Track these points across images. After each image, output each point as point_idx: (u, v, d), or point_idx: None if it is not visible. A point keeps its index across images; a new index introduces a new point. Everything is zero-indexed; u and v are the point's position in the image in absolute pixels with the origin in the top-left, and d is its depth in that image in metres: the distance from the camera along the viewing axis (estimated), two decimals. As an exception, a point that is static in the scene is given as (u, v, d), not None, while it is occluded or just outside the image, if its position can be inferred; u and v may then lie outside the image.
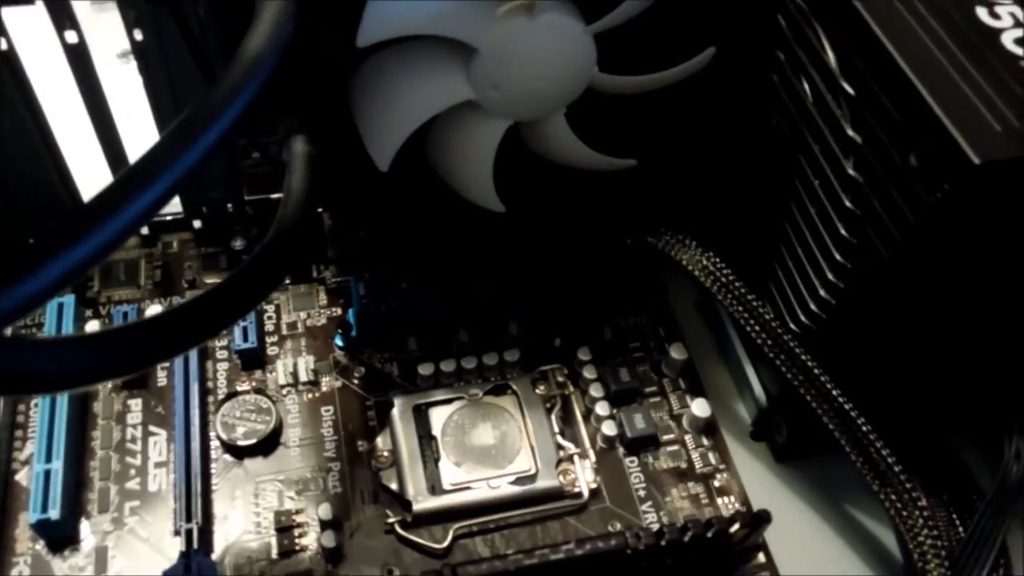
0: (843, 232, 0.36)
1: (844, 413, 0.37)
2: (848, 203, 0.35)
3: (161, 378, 0.44)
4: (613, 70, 0.37)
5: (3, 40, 0.38)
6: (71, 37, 0.39)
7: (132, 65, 0.41)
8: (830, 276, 0.37)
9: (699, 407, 0.44)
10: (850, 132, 0.34)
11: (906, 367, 0.38)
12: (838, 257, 0.36)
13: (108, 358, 0.25)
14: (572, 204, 0.43)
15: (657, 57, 0.38)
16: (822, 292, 0.38)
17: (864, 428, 0.37)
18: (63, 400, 0.41)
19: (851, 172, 0.34)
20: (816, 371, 0.38)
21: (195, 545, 0.38)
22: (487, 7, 0.34)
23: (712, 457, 0.44)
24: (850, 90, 0.34)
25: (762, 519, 0.34)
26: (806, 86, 0.37)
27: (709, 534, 0.34)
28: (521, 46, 0.35)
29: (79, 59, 0.40)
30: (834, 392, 0.38)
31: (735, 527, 0.34)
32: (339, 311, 0.48)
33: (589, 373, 0.45)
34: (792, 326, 0.40)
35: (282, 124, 0.38)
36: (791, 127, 0.38)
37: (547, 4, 0.34)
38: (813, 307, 0.39)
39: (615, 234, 0.45)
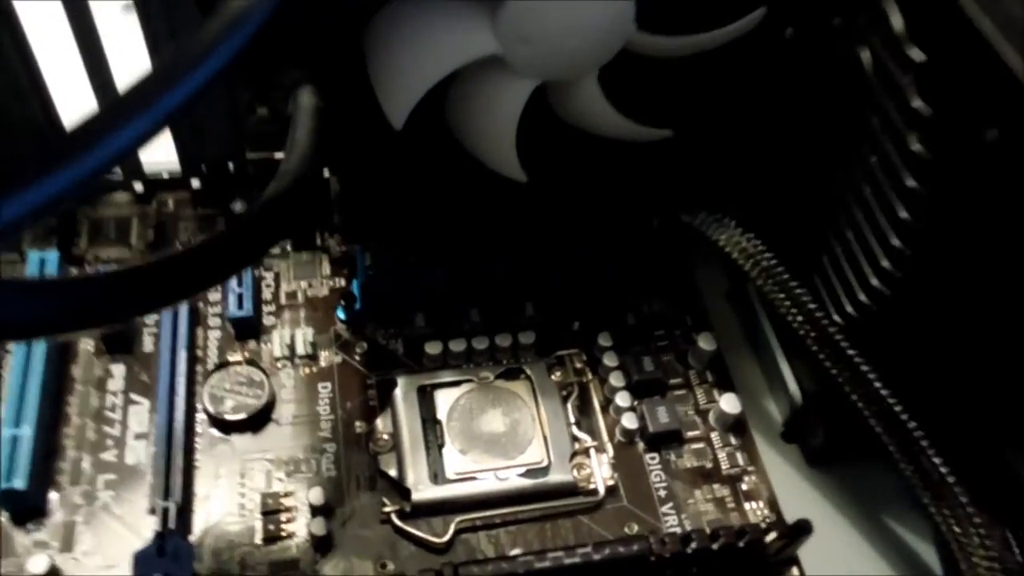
0: (902, 214, 0.32)
1: (894, 416, 0.34)
2: (910, 182, 0.31)
3: (147, 344, 0.41)
4: (652, 29, 0.34)
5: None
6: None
7: (132, 16, 0.38)
8: (884, 263, 0.34)
9: (728, 403, 0.41)
10: (916, 103, 0.30)
11: (964, 368, 0.34)
12: (895, 242, 0.33)
13: (79, 305, 0.23)
14: (600, 176, 0.40)
15: (701, 17, 0.34)
16: (874, 281, 0.34)
17: (916, 434, 0.34)
18: (38, 360, 0.38)
19: (916, 148, 0.31)
20: (864, 368, 0.34)
21: (172, 525, 0.34)
22: (521, -50, 0.31)
23: (740, 457, 0.40)
24: (918, 56, 0.30)
25: (802, 529, 0.31)
26: (866, 52, 0.33)
27: (741, 543, 0.31)
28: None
29: (76, 5, 0.37)
30: (883, 392, 0.34)
31: (771, 537, 0.31)
32: (343, 282, 0.45)
33: (610, 360, 0.42)
34: (837, 318, 0.37)
35: (289, 75, 0.34)
36: (846, 98, 0.35)
37: (586, -50, 0.31)
38: (863, 297, 0.35)
39: (645, 211, 0.41)
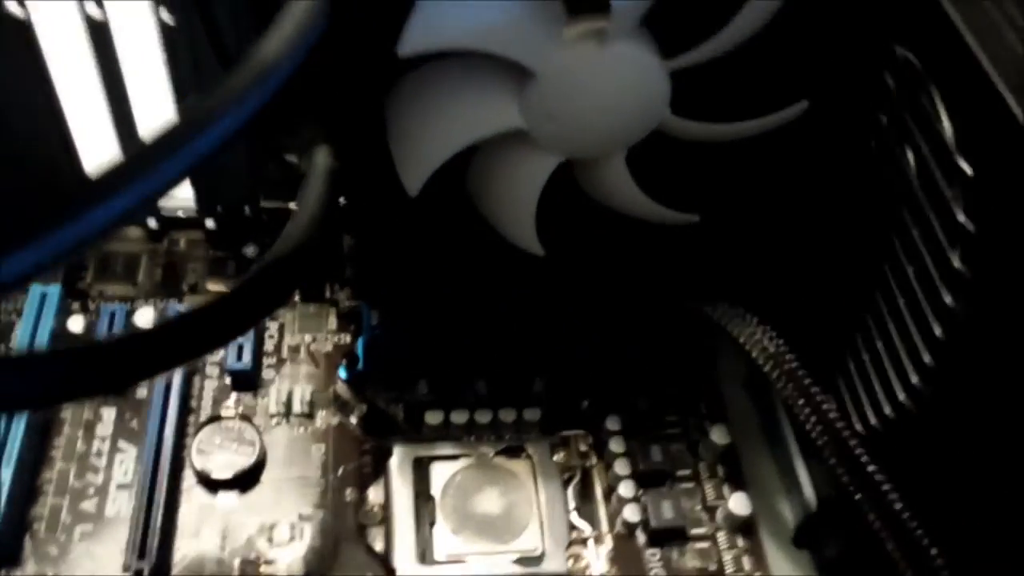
0: (937, 332, 0.30)
1: (914, 541, 0.32)
2: (948, 300, 0.29)
3: (141, 389, 0.40)
4: (687, 114, 0.32)
5: (21, 8, 0.35)
6: (93, 11, 0.35)
7: (157, 49, 0.37)
8: (914, 379, 0.32)
9: (737, 503, 0.39)
10: (961, 218, 0.29)
11: (992, 496, 0.32)
12: (927, 359, 0.31)
13: (57, 382, 0.21)
14: (620, 257, 0.38)
15: (738, 105, 0.33)
16: (901, 396, 0.32)
17: (938, 562, 0.31)
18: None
19: (957, 265, 0.29)
20: (884, 485, 0.32)
21: (143, 589, 0.33)
22: (553, 27, 0.29)
23: (746, 562, 0.38)
24: (967, 168, 0.29)
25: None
26: (911, 158, 0.31)
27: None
28: (586, 76, 0.30)
29: (100, 37, 0.36)
30: (904, 515, 0.32)
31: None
32: (348, 339, 0.43)
33: (616, 446, 0.40)
34: (860, 427, 0.35)
35: (306, 131, 0.33)
36: (886, 203, 0.33)
37: (622, 31, 0.30)
38: (888, 411, 0.33)
39: (665, 296, 0.40)
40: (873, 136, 0.33)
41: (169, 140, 0.21)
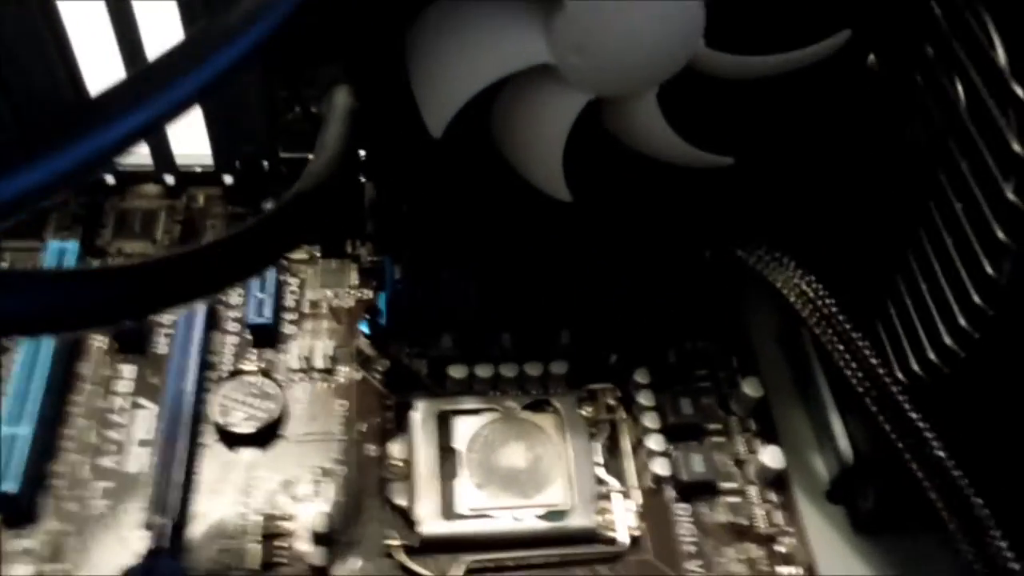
0: (988, 269, 0.29)
1: (958, 491, 0.30)
2: (1001, 235, 0.28)
3: (161, 345, 0.39)
4: (721, 46, 0.31)
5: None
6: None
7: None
8: (962, 321, 0.30)
9: (771, 456, 0.37)
10: (1016, 147, 0.27)
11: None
12: (976, 300, 0.29)
13: (78, 301, 0.21)
14: (651, 202, 0.37)
15: (776, 36, 0.31)
16: (948, 340, 0.31)
17: (983, 512, 0.30)
18: (45, 355, 0.36)
19: (1011, 197, 0.27)
20: (927, 434, 0.31)
21: (165, 544, 0.32)
22: (581, -50, 0.28)
23: (779, 516, 0.37)
24: (1023, 94, 0.27)
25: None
26: (960, 88, 0.30)
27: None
28: (616, 4, 0.29)
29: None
30: (948, 463, 0.31)
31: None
32: (370, 294, 0.42)
33: (645, 399, 0.39)
34: (901, 375, 0.34)
35: (324, 72, 0.32)
36: (933, 136, 0.31)
37: (654, -46, 0.28)
38: (932, 356, 0.32)
39: (698, 242, 0.38)
40: (918, 68, 0.32)
41: (179, 57, 0.20)
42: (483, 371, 0.39)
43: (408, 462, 0.37)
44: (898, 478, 0.35)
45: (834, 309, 0.33)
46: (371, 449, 0.37)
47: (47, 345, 0.36)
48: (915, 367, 0.33)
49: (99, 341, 0.39)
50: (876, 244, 0.35)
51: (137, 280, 0.21)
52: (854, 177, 0.35)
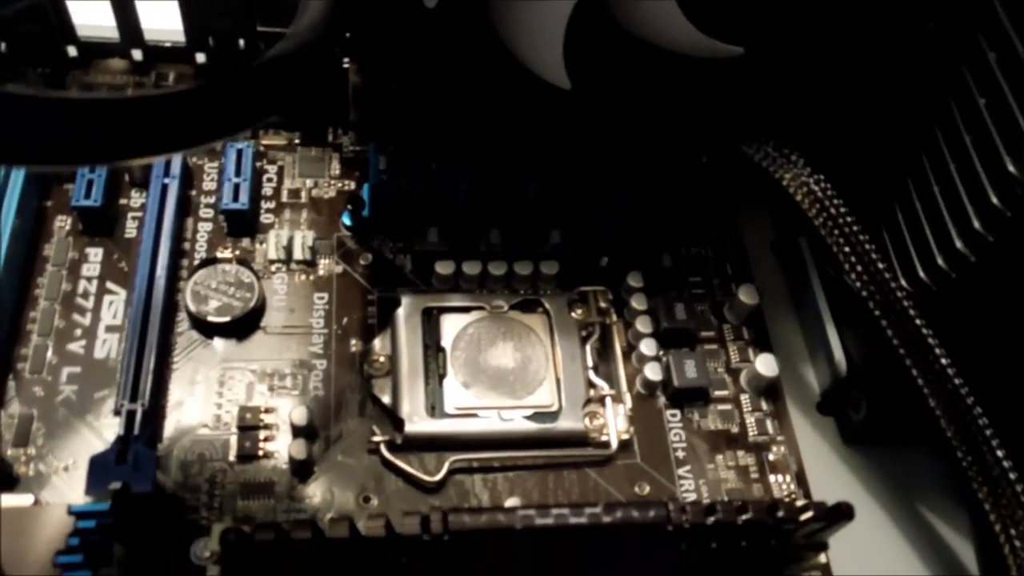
0: (1010, 168, 0.27)
1: (959, 399, 0.30)
2: (1027, 129, 0.27)
3: (130, 228, 0.37)
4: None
5: None
6: None
7: None
8: (976, 225, 0.29)
9: (764, 364, 0.37)
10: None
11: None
12: (995, 201, 0.28)
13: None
14: (654, 94, 0.35)
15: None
16: (959, 244, 0.30)
17: (981, 421, 0.30)
18: (4, 233, 0.34)
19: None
20: (931, 341, 0.30)
21: (136, 431, 0.31)
22: None
23: (770, 425, 0.37)
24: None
25: (842, 513, 0.27)
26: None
27: (771, 521, 0.27)
28: None
29: None
30: (950, 371, 0.30)
31: (805, 516, 0.27)
32: (352, 185, 0.40)
33: (638, 303, 0.38)
34: (905, 283, 0.33)
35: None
36: (954, 26, 0.29)
37: None
38: (941, 262, 0.31)
39: (701, 138, 0.36)
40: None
41: None
42: (471, 268, 0.37)
43: (392, 358, 0.35)
44: (891, 389, 0.34)
45: (843, 210, 0.32)
46: (353, 343, 0.36)
47: (7, 220, 0.34)
48: (921, 274, 0.32)
49: (62, 223, 0.37)
50: (887, 145, 0.33)
51: (104, 115, 0.19)
52: (868, 73, 0.34)
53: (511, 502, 0.33)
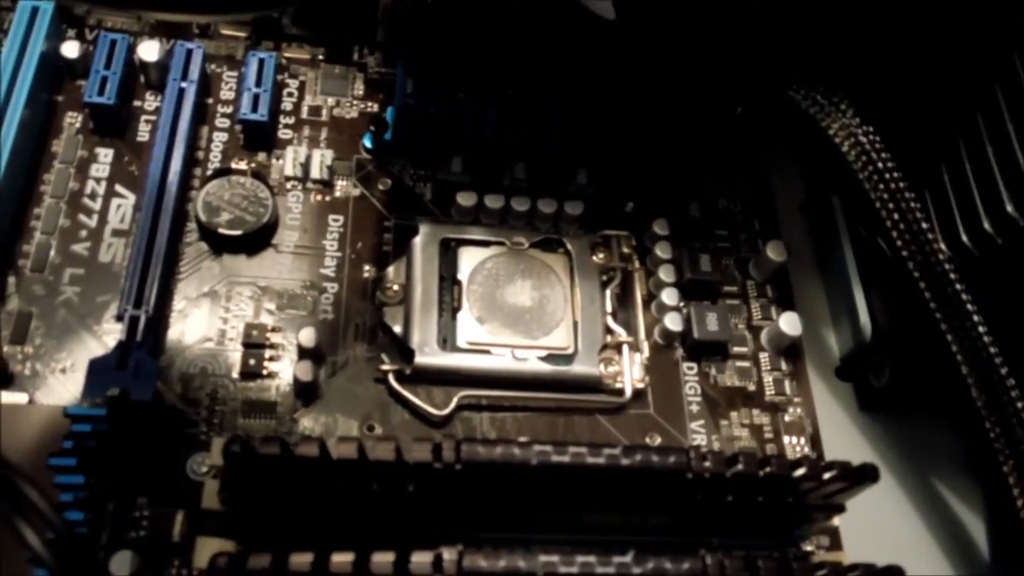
0: (1076, 129, 0.26)
1: (992, 368, 0.29)
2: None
3: (142, 131, 0.36)
4: None
5: None
6: None
7: None
8: (1031, 188, 0.28)
9: (788, 322, 0.36)
10: None
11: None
12: (1054, 163, 0.27)
13: None
14: (700, 31, 0.33)
15: None
16: (1009, 208, 0.29)
17: (1013, 393, 0.29)
18: (12, 125, 0.32)
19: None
20: (969, 307, 0.29)
21: (138, 337, 0.30)
22: None
23: (788, 386, 0.36)
24: None
25: (867, 475, 0.26)
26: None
27: (794, 475, 0.26)
28: None
29: None
30: (986, 339, 0.29)
31: (828, 475, 0.26)
32: (376, 107, 0.39)
33: (662, 251, 0.37)
34: (942, 246, 0.31)
35: None
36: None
37: None
38: (987, 226, 0.30)
39: (748, 82, 0.35)
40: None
41: None
42: (493, 202, 0.36)
43: (405, 287, 0.34)
44: (916, 356, 0.33)
45: (890, 164, 0.30)
46: (367, 270, 0.35)
47: (15, 113, 0.32)
48: (964, 238, 0.31)
49: (72, 118, 0.35)
50: (940, 103, 0.32)
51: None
52: (927, 23, 0.32)
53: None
